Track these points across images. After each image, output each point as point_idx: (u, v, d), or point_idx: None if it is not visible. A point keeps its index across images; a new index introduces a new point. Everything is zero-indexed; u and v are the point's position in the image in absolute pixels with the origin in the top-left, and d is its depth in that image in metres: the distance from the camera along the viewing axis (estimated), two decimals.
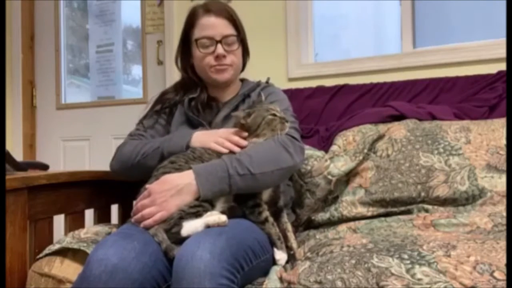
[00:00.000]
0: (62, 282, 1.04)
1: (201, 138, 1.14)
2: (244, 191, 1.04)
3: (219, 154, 1.08)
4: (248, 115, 1.10)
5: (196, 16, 1.25)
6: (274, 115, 1.10)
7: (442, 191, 1.26)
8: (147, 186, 1.05)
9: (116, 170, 1.25)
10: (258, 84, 1.33)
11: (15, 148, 2.60)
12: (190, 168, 1.03)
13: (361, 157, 1.37)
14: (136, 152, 1.19)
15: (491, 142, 1.31)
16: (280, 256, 1.03)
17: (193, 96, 1.28)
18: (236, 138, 1.10)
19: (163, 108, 1.30)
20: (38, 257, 1.11)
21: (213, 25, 1.23)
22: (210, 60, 1.24)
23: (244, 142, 1.09)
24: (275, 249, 1.03)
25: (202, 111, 1.27)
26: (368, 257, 0.88)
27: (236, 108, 1.27)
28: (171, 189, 1.00)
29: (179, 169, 1.05)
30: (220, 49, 1.22)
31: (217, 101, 1.32)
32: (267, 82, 1.36)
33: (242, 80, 1.38)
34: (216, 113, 1.27)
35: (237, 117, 1.11)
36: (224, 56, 1.23)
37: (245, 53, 1.33)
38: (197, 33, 1.24)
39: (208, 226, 0.94)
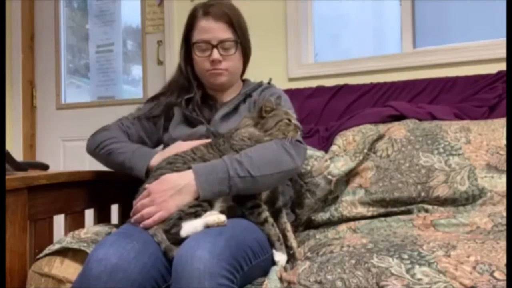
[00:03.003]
0: (62, 282, 1.04)
1: (164, 155, 1.14)
2: (243, 192, 1.03)
3: (220, 153, 1.08)
4: (271, 110, 1.10)
5: (196, 18, 1.24)
6: (290, 120, 1.10)
7: (442, 191, 1.26)
8: (146, 186, 1.05)
9: (87, 146, 1.28)
10: (260, 84, 1.34)
11: (15, 148, 2.60)
12: (188, 169, 1.03)
13: (361, 157, 1.37)
14: (104, 144, 1.23)
15: (491, 142, 1.31)
16: (280, 257, 1.03)
17: (190, 97, 1.28)
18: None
19: (166, 107, 1.30)
20: (38, 257, 1.11)
21: (210, 29, 1.21)
22: (206, 64, 1.24)
23: None
24: (274, 251, 1.03)
25: (199, 110, 1.27)
26: (368, 257, 0.88)
27: (236, 107, 1.27)
28: (170, 189, 1.00)
29: (177, 171, 1.04)
30: (215, 54, 1.21)
31: (216, 100, 1.32)
32: (268, 83, 1.36)
33: (244, 80, 1.38)
34: (215, 112, 1.27)
35: (265, 105, 1.10)
36: (219, 61, 1.23)
37: (245, 57, 1.31)
38: (195, 36, 1.24)
39: (207, 226, 0.93)
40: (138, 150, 1.20)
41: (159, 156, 1.15)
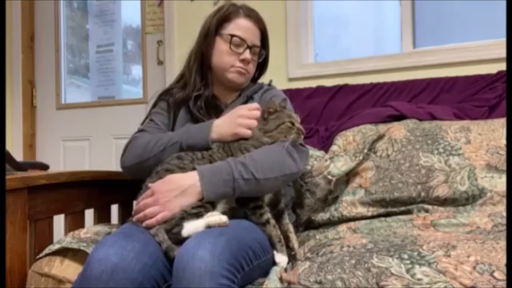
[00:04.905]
0: (62, 282, 1.04)
1: (222, 129, 1.12)
2: (247, 194, 1.04)
3: (229, 153, 1.08)
4: (274, 112, 1.11)
5: (236, 14, 1.28)
6: (293, 123, 1.10)
7: (442, 191, 1.26)
8: (150, 185, 1.05)
9: (128, 165, 1.19)
10: (261, 86, 1.34)
11: (15, 148, 2.61)
12: (194, 168, 1.03)
13: (361, 157, 1.37)
14: (152, 145, 1.14)
15: (491, 142, 1.31)
16: (280, 259, 1.02)
17: (199, 94, 1.27)
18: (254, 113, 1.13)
19: (175, 103, 1.28)
20: (38, 257, 1.11)
21: (250, 30, 1.28)
22: (234, 60, 1.26)
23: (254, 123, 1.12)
24: (275, 252, 1.03)
25: (206, 110, 1.26)
26: (368, 257, 0.88)
27: None
28: (175, 190, 1.00)
29: (183, 169, 1.04)
30: (248, 54, 1.27)
31: (220, 101, 1.32)
32: (269, 84, 1.36)
33: None
34: (220, 113, 1.27)
35: (268, 107, 1.12)
36: (248, 62, 1.27)
37: (262, 67, 1.38)
38: (233, 29, 1.26)
39: (209, 227, 0.94)
40: (191, 127, 1.17)
41: (217, 126, 1.13)
